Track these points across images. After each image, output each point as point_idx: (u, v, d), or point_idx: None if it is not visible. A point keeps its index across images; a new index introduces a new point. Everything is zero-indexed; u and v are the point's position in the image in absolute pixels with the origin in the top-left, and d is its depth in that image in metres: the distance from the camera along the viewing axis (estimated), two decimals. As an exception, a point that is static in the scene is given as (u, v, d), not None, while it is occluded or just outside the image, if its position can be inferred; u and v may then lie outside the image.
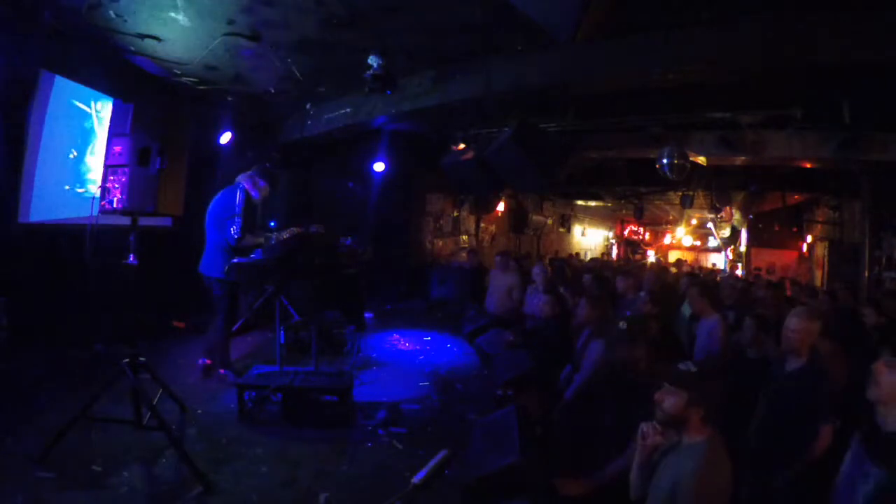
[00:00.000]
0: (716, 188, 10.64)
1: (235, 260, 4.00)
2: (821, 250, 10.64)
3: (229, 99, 6.12)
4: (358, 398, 4.10)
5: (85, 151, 5.07)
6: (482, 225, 13.02)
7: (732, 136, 6.51)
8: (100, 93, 5.05)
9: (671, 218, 19.18)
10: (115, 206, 2.93)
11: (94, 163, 5.02)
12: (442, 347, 6.29)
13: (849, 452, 2.13)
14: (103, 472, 2.78)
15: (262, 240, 4.10)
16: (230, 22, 4.36)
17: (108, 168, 2.95)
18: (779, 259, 13.56)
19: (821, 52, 3.85)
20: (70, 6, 3.99)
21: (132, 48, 4.68)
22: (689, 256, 20.46)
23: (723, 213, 14.59)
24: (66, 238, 4.59)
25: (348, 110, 6.48)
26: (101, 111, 5.09)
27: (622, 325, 3.12)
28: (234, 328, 5.10)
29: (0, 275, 4.19)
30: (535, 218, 15.01)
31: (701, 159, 7.03)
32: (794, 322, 2.79)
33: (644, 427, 2.05)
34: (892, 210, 7.89)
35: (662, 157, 6.39)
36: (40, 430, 2.98)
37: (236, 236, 4.09)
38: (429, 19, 4.40)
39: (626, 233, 22.58)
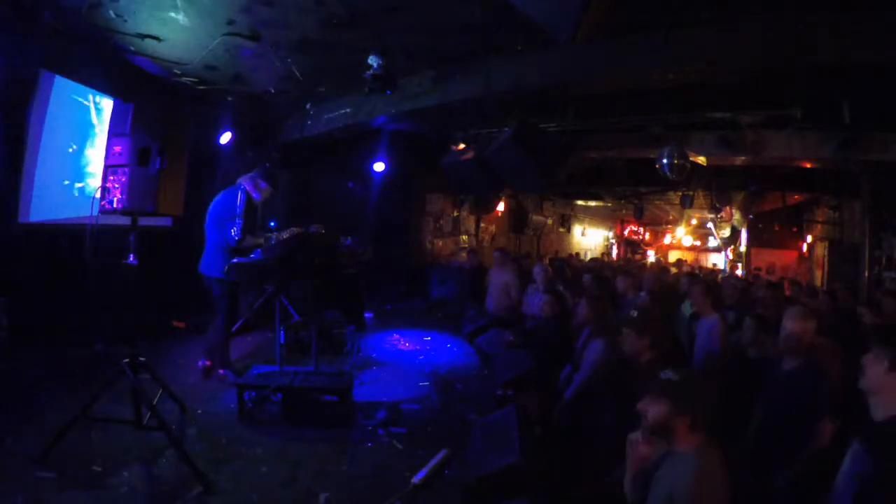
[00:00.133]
0: (716, 188, 10.64)
1: (235, 260, 4.00)
2: (821, 250, 10.64)
3: (229, 99, 6.11)
4: (358, 398, 4.10)
5: (84, 146, 5.07)
6: (482, 225, 13.02)
7: (732, 136, 6.51)
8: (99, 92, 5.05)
9: (671, 218, 19.18)
10: (115, 206, 2.93)
11: (94, 157, 5.02)
12: (442, 347, 6.30)
13: (849, 452, 2.13)
14: (103, 472, 2.78)
15: (262, 240, 4.10)
16: (230, 22, 4.36)
17: (108, 168, 2.95)
18: (779, 259, 13.56)
19: (821, 52, 3.85)
20: (70, 6, 3.98)
21: (132, 48, 4.68)
22: (689, 256, 20.47)
23: (723, 213, 14.59)
24: (66, 238, 4.59)
25: (348, 110, 6.48)
26: (101, 103, 5.09)
27: (633, 313, 3.11)
28: (234, 328, 5.10)
29: (0, 275, 4.19)
30: (535, 218, 15.01)
31: (701, 159, 7.03)
32: (789, 322, 2.81)
33: (631, 437, 2.01)
34: (892, 210, 7.89)
35: (662, 157, 6.39)
36: (40, 430, 2.98)
37: (237, 237, 4.09)
38: (429, 19, 4.40)
39: (626, 233, 22.58)
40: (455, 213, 11.91)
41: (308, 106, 6.82)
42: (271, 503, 2.72)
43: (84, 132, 5.06)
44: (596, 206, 17.76)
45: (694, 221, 18.70)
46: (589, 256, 17.31)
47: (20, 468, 2.72)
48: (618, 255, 21.48)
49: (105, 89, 5.00)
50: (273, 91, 6.02)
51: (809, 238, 11.86)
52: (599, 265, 11.60)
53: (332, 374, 4.16)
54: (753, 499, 2.47)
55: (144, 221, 3.22)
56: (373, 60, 4.52)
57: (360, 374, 4.79)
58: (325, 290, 4.71)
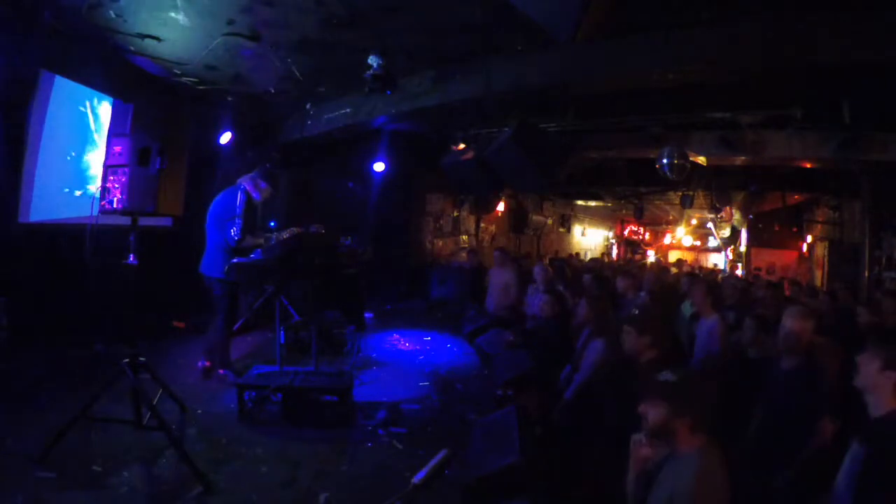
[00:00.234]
0: (716, 188, 10.64)
1: (235, 260, 4.00)
2: (821, 250, 10.64)
3: (229, 99, 6.11)
4: (358, 398, 4.10)
5: (84, 150, 5.07)
6: (482, 225, 13.03)
7: (732, 136, 6.51)
8: (99, 92, 5.05)
9: (671, 218, 19.18)
10: (115, 206, 2.93)
11: (94, 161, 5.02)
12: (442, 347, 6.30)
13: (849, 452, 2.13)
14: (103, 472, 2.78)
15: (262, 241, 4.10)
16: (230, 22, 4.36)
17: (108, 168, 2.95)
18: (779, 259, 13.55)
19: (821, 52, 3.85)
20: (70, 6, 3.98)
21: (132, 48, 4.68)
22: (689, 256, 20.46)
23: (723, 213, 14.59)
24: (66, 238, 4.59)
25: (348, 110, 6.48)
26: (98, 109, 5.09)
27: (635, 311, 3.11)
28: (234, 328, 5.10)
29: (0, 275, 4.19)
30: (535, 218, 15.01)
31: (701, 159, 7.03)
32: (788, 321, 2.82)
33: (634, 438, 2.00)
34: (892, 210, 7.88)
35: (662, 157, 6.39)
36: (40, 430, 2.97)
37: (236, 237, 4.09)
38: (429, 19, 4.40)
39: (626, 233, 22.58)
40: (455, 213, 11.92)
41: (308, 106, 6.82)
42: (271, 503, 2.72)
43: (83, 137, 5.06)
44: (596, 206, 17.77)
45: (694, 221, 18.70)
46: (589, 256, 17.31)
47: (20, 468, 2.72)
48: (618, 255, 21.48)
49: (105, 89, 5.00)
50: (273, 91, 6.02)
51: (809, 238, 11.86)
52: (599, 265, 11.61)
53: (332, 374, 4.16)
54: (753, 499, 2.47)
55: (144, 221, 3.22)
56: (373, 60, 4.53)
57: (360, 374, 4.79)
58: (325, 290, 4.71)
